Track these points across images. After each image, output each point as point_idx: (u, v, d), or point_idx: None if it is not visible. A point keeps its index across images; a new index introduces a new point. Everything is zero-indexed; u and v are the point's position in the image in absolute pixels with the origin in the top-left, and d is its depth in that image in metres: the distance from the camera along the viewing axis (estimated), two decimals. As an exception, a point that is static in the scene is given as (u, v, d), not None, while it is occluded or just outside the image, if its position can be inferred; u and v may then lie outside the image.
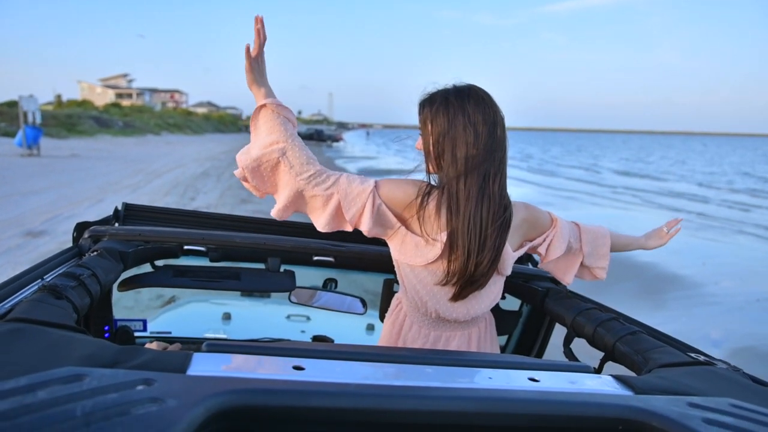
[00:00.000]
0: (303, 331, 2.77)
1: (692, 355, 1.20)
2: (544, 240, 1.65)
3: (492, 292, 1.58)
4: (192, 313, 3.12)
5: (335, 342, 2.40)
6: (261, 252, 1.77)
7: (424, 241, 1.47)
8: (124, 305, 2.64)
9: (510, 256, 1.54)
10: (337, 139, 56.38)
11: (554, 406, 0.72)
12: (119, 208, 1.91)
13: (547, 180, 26.30)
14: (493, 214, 1.43)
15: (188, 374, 0.71)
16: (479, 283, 1.48)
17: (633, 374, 1.17)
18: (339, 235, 1.65)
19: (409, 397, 0.70)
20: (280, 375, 0.76)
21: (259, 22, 1.44)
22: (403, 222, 1.51)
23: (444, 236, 1.44)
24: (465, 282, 1.47)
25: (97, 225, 1.71)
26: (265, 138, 1.45)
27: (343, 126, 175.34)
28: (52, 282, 1.17)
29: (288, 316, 3.01)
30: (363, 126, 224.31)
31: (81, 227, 1.70)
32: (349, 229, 1.51)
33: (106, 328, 1.94)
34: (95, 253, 1.50)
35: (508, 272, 1.57)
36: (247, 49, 1.45)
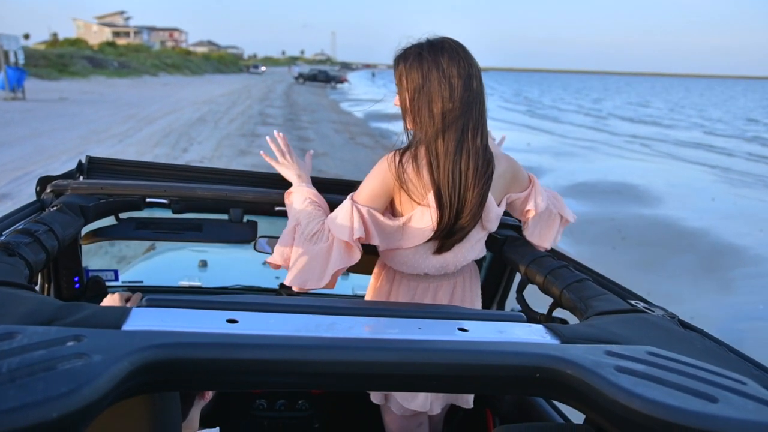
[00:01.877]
0: (277, 278, 2.79)
1: (632, 302, 1.21)
2: (527, 196, 1.66)
3: (478, 245, 1.63)
4: (169, 261, 3.28)
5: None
6: (223, 203, 1.80)
7: (420, 211, 1.49)
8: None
9: (494, 210, 1.56)
10: (341, 81, 55.45)
11: (475, 356, 0.73)
12: (83, 161, 1.90)
13: (557, 127, 25.06)
14: (473, 169, 1.45)
15: (122, 329, 0.73)
16: (458, 236, 1.53)
17: (576, 321, 1.22)
18: None
19: (335, 348, 0.71)
20: (211, 328, 0.76)
21: (280, 139, 1.68)
22: (398, 208, 1.53)
23: (432, 198, 1.46)
24: (445, 235, 1.51)
25: (60, 179, 1.71)
26: (291, 220, 1.57)
27: (346, 66, 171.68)
28: (5, 239, 1.18)
29: (264, 263, 3.04)
30: (367, 66, 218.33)
31: (44, 181, 1.70)
32: (359, 253, 1.51)
33: (76, 279, 2.01)
34: (55, 207, 1.50)
35: (493, 227, 1.60)
36: (269, 158, 1.69)
